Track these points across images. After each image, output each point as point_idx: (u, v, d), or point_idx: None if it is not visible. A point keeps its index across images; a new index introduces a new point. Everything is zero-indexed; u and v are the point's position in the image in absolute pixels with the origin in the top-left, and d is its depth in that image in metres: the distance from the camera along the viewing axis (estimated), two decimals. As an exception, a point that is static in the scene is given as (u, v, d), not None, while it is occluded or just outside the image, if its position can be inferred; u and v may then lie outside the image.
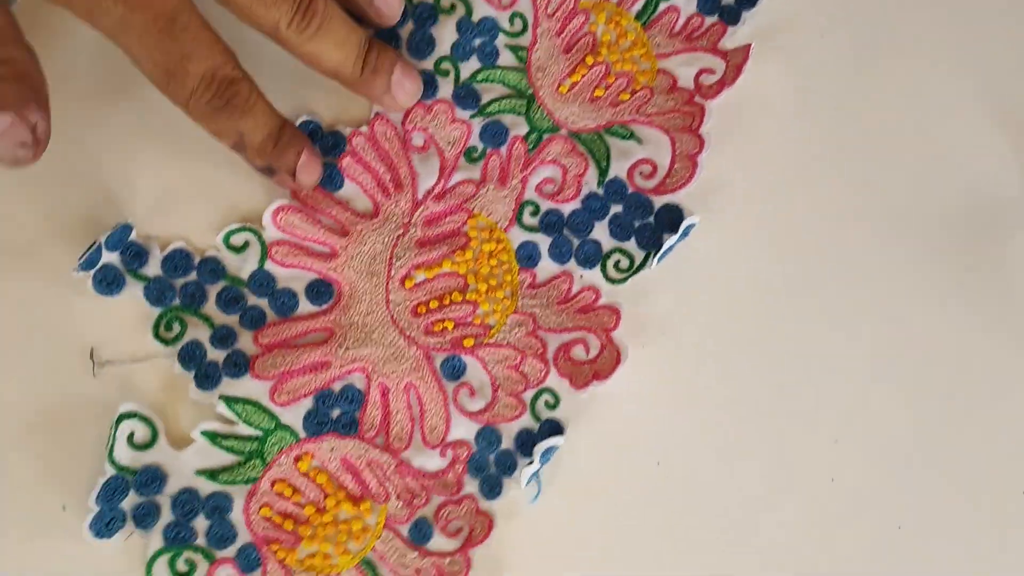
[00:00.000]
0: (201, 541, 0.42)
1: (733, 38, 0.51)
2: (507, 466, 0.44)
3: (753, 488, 0.45)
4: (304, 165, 0.43)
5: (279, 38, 0.41)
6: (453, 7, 0.49)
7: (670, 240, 0.46)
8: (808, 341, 0.47)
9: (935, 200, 0.49)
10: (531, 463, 0.42)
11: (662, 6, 0.51)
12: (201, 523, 0.42)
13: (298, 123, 0.46)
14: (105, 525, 0.41)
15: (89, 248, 0.42)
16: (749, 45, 0.50)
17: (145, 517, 0.41)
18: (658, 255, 0.47)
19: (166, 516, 0.42)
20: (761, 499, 0.45)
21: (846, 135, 0.50)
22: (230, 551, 0.42)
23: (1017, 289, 0.48)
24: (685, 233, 0.47)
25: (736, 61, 0.50)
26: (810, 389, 0.46)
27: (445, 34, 0.49)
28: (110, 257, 0.44)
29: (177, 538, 0.41)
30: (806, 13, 0.51)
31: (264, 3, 0.40)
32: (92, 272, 0.43)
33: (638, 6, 0.51)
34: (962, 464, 0.46)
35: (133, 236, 0.44)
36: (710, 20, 0.51)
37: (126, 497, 0.42)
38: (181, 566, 0.41)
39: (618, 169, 0.49)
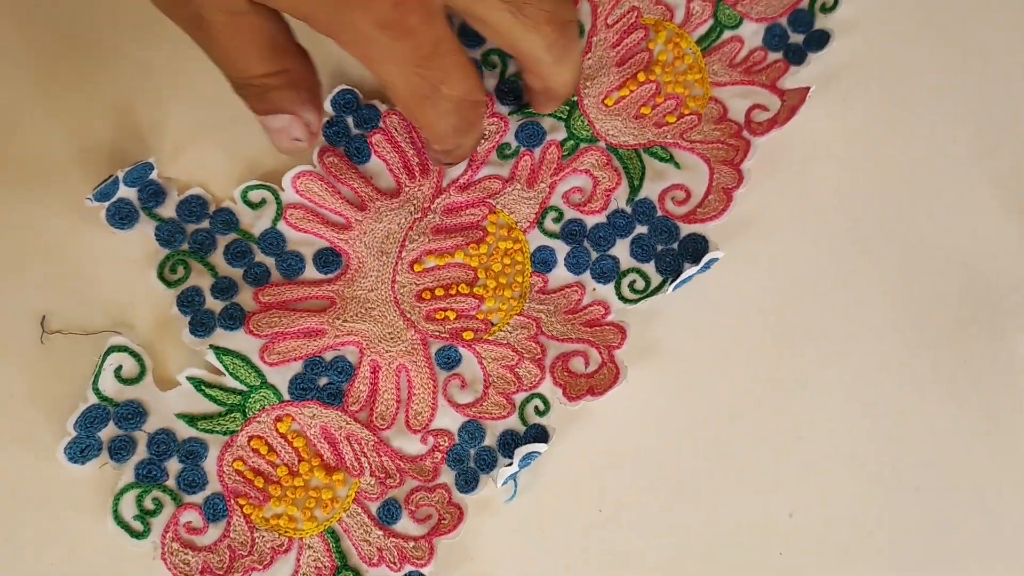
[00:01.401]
0: (171, 483, 0.53)
1: (794, 78, 0.62)
2: (486, 463, 0.55)
3: (715, 535, 0.56)
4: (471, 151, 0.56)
5: (532, 60, 0.51)
6: (510, 2, 0.61)
7: (690, 270, 0.57)
8: (794, 406, 0.58)
9: (943, 283, 0.60)
10: (510, 464, 0.53)
11: (726, 34, 0.63)
12: (174, 465, 0.53)
13: (337, 91, 0.58)
14: (80, 451, 0.52)
15: (106, 180, 0.55)
16: (808, 88, 0.60)
17: (120, 450, 0.53)
18: (675, 283, 0.57)
19: (141, 453, 0.53)
20: (723, 544, 0.56)
21: (878, 201, 0.61)
22: (198, 497, 0.53)
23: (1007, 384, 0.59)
24: (707, 266, 0.58)
25: (792, 102, 0.61)
26: (777, 455, 0.57)
27: (497, 28, 0.60)
28: (127, 192, 0.56)
29: (148, 476, 0.53)
30: (871, 68, 0.62)
31: (525, 29, 0.51)
32: (106, 204, 0.55)
33: (702, 30, 0.63)
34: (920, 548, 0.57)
35: (154, 175, 0.56)
36: (773, 56, 0.63)
37: (105, 427, 0.53)
38: (148, 503, 0.52)
39: (650, 190, 0.60)
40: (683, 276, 0.57)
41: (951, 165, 0.61)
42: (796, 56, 0.62)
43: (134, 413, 0.53)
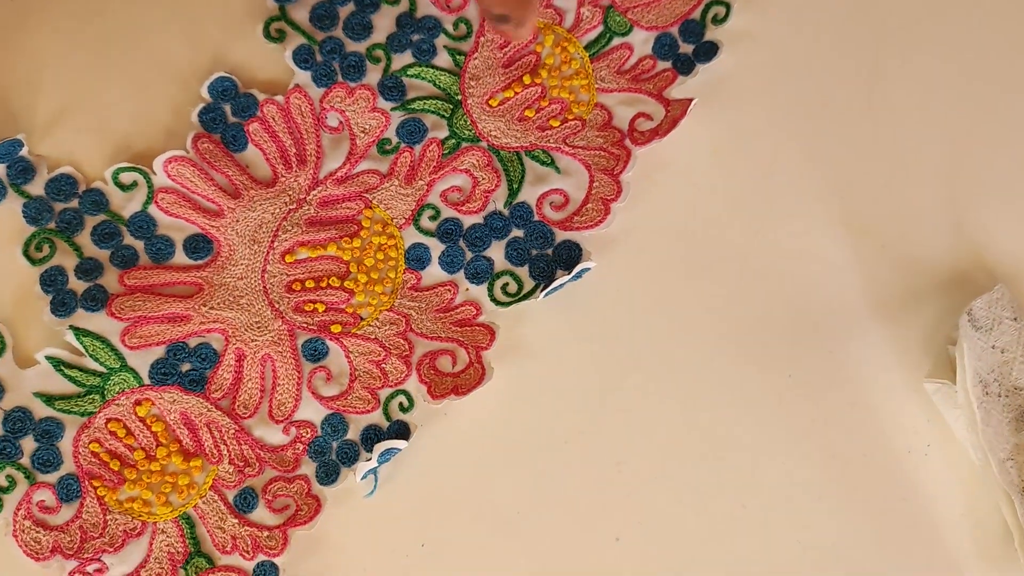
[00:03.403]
0: (26, 461, 0.58)
1: (681, 88, 0.67)
2: (348, 456, 0.61)
3: (552, 545, 0.61)
4: (532, 24, 0.57)
5: None
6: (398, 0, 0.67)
7: (562, 279, 0.63)
8: (647, 416, 0.63)
9: (774, 302, 0.65)
10: (369, 459, 0.59)
11: (616, 41, 0.68)
12: (29, 444, 0.58)
13: (215, 78, 0.63)
14: (-68, 425, 0.57)
15: (-27, 155, 0.59)
16: (691, 100, 0.66)
17: (-26, 427, 0.58)
18: (546, 291, 0.63)
19: (-5, 430, 0.58)
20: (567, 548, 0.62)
21: (727, 224, 0.66)
22: (52, 477, 0.58)
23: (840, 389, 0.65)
24: (578, 275, 0.63)
25: (675, 114, 0.66)
26: (602, 477, 0.63)
27: (383, 23, 0.66)
28: (-3, 169, 0.61)
29: (2, 453, 0.57)
30: (755, 89, 0.68)
31: None
32: (-27, 179, 0.60)
33: (591, 36, 0.68)
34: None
35: (24, 152, 0.61)
36: (662, 65, 0.68)
37: (-41, 401, 0.58)
38: (1, 480, 0.57)
39: (529, 194, 0.65)
40: (555, 284, 0.62)
41: (794, 190, 0.67)
42: (684, 66, 0.68)
43: (-10, 390, 0.57)
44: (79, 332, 0.58)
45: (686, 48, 0.68)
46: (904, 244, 0.66)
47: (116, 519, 0.57)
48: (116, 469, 0.57)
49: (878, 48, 0.68)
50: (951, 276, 0.65)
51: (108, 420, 0.58)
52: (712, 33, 0.68)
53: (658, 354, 0.64)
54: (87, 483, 0.57)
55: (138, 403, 0.58)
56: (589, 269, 0.63)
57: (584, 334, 0.64)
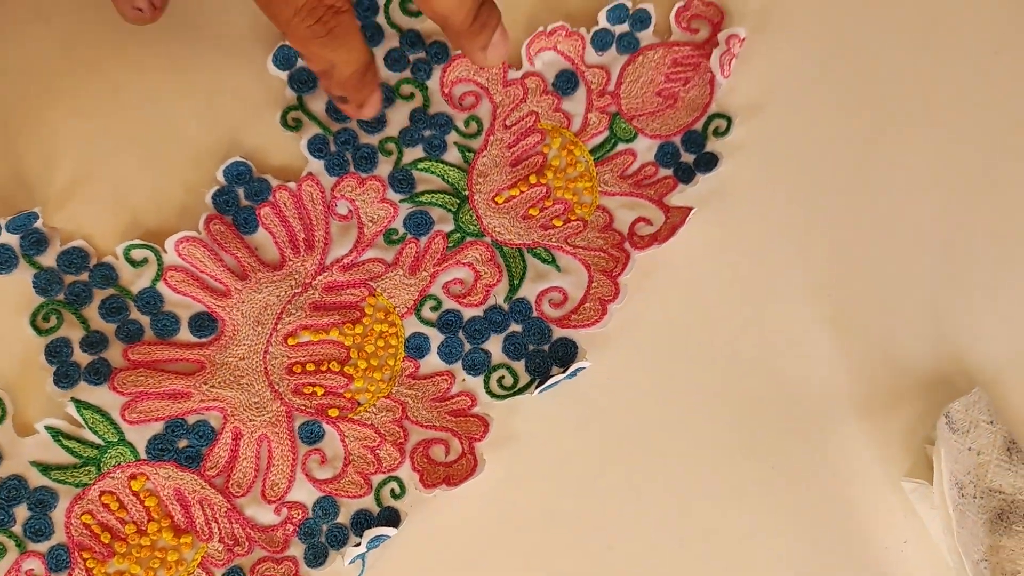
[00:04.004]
0: (17, 529, 0.55)
1: (681, 196, 0.67)
2: (337, 540, 0.58)
3: None
4: (373, 105, 0.56)
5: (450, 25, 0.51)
6: (412, 95, 0.66)
7: (557, 376, 0.61)
8: (637, 502, 0.62)
9: (762, 394, 0.65)
10: (358, 544, 0.57)
11: (620, 147, 0.67)
12: (22, 512, 0.56)
13: (231, 162, 0.62)
14: (-74, 490, 0.55)
15: (-11, 225, 0.57)
16: (690, 209, 0.65)
17: (-32, 494, 0.55)
18: (541, 387, 0.61)
19: (-10, 496, 0.55)
20: None
21: (721, 319, 0.66)
22: (42, 546, 0.55)
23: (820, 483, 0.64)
24: (573, 374, 0.62)
25: (674, 221, 0.65)
26: (591, 563, 0.62)
27: (397, 117, 0.65)
28: (9, 238, 0.59)
29: (-6, 521, 0.55)
30: (752, 197, 0.67)
31: None
32: (-13, 248, 0.58)
33: (597, 140, 0.67)
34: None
35: (38, 224, 0.60)
36: (664, 172, 0.67)
37: (-44, 466, 0.55)
38: (-9, 547, 0.55)
39: (529, 290, 0.64)
40: (550, 381, 0.61)
41: (785, 289, 0.66)
42: (685, 175, 0.67)
43: (-12, 457, 0.55)
44: (80, 404, 0.56)
45: (687, 157, 0.68)
46: (889, 344, 0.65)
47: (103, 592, 0.54)
48: (106, 542, 0.55)
49: (866, 161, 0.68)
50: (932, 377, 0.65)
51: (102, 492, 0.55)
52: (713, 144, 0.68)
53: (648, 444, 0.63)
54: (77, 554, 0.54)
55: (133, 477, 0.56)
56: (584, 368, 0.61)
57: (576, 425, 0.63)
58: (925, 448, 0.63)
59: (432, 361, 0.62)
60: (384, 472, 0.59)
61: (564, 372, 0.60)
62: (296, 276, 0.60)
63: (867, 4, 0.70)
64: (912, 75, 0.69)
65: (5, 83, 0.61)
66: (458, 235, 0.64)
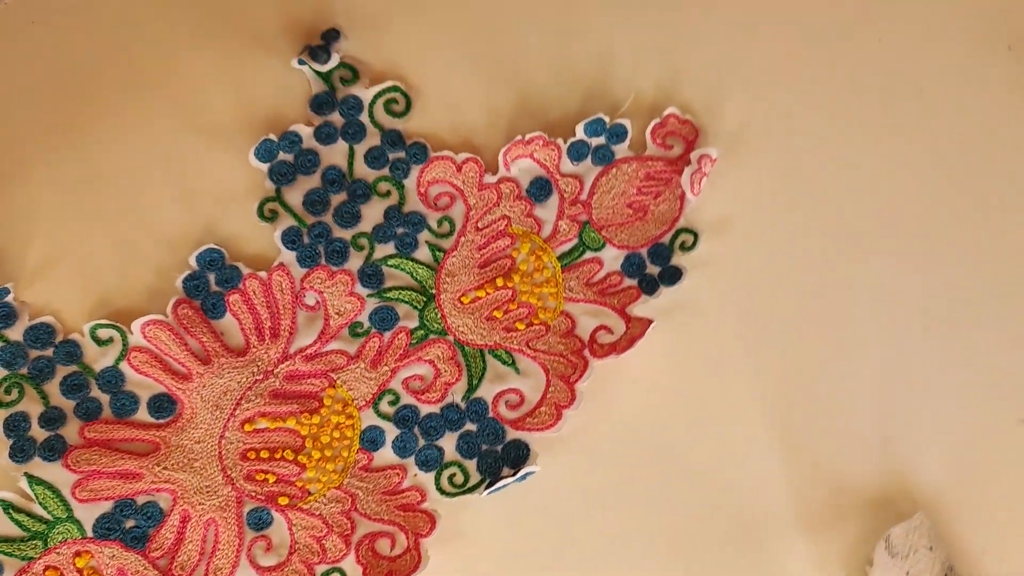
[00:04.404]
0: None
1: (644, 307, 0.65)
2: (274, 630, 0.56)
3: None
4: None
5: None
6: (389, 193, 0.65)
7: (507, 479, 0.60)
8: None
9: (710, 508, 0.63)
10: None
11: (588, 255, 0.66)
12: (-35, 581, 0.54)
13: (204, 249, 0.61)
14: None
15: (-41, 299, 0.57)
16: (650, 321, 0.64)
17: (-86, 559, 0.54)
18: (490, 488, 0.60)
19: (-66, 565, 0.54)
20: None
21: (671, 432, 0.65)
22: (-19, 617, 0.54)
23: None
24: (523, 478, 0.60)
25: (634, 332, 0.64)
26: None
27: (372, 213, 0.64)
28: (-20, 311, 0.58)
29: (-65, 589, 0.53)
30: (711, 313, 0.66)
31: None
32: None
33: (565, 247, 0.66)
34: None
35: (9, 298, 0.59)
36: (629, 282, 0.66)
37: (-98, 534, 0.54)
38: (-70, 617, 0.53)
39: (487, 391, 0.63)
40: (499, 484, 0.59)
41: (737, 403, 0.65)
42: (649, 286, 0.66)
43: (-63, 525, 0.53)
44: (32, 480, 0.55)
45: (653, 269, 0.67)
46: (834, 463, 0.64)
47: (37, 668, 0.52)
48: (47, 617, 0.53)
49: (823, 287, 0.67)
50: (875, 498, 0.63)
51: (47, 567, 0.54)
52: (678, 258, 0.67)
53: (593, 551, 0.62)
54: (15, 628, 0.52)
55: (78, 554, 0.55)
56: (533, 473, 0.60)
57: (522, 527, 0.61)
58: (866, 570, 0.62)
59: (385, 455, 0.61)
60: (328, 563, 0.58)
61: (514, 475, 0.59)
62: (259, 363, 0.59)
63: (834, 136, 0.70)
64: (869, 207, 0.69)
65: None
66: (422, 332, 0.63)
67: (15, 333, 0.57)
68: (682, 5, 0.69)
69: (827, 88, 0.69)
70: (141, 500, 0.57)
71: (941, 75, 0.70)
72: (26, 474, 0.55)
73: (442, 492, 0.60)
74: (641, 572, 0.61)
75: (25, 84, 0.62)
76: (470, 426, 0.62)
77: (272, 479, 0.57)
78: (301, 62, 0.63)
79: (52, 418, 0.56)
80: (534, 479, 0.60)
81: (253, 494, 0.57)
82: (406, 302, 0.63)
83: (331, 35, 0.64)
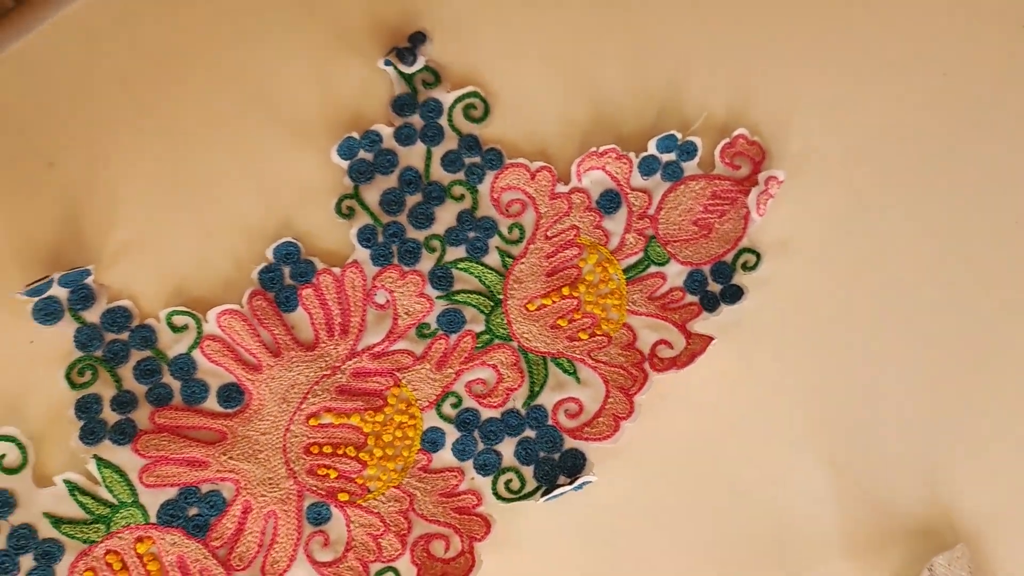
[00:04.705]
0: None
1: (704, 324, 0.59)
2: (327, 626, 0.51)
3: None
4: None
5: None
6: (463, 197, 0.59)
7: (564, 487, 0.54)
8: None
9: (755, 527, 0.58)
10: None
11: (652, 269, 0.60)
12: (27, 561, 0.49)
13: (281, 242, 0.55)
14: (-61, 530, 0.48)
15: (41, 279, 0.51)
16: (711, 338, 0.58)
17: (-21, 536, 0.48)
18: (547, 496, 0.54)
19: (-1, 542, 0.49)
20: None
21: (730, 449, 0.59)
22: (40, 598, 0.49)
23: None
24: (580, 487, 0.54)
25: (695, 348, 0.58)
26: None
27: (445, 216, 0.58)
28: (59, 292, 0.53)
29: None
30: (769, 334, 0.61)
31: None
32: (35, 298, 0.52)
33: (631, 260, 0.60)
34: None
35: (89, 280, 0.53)
36: (690, 298, 0.60)
37: (-30, 510, 0.49)
38: (-11, 595, 0.48)
39: (547, 398, 0.57)
40: (557, 491, 0.54)
41: (788, 425, 0.60)
42: (710, 303, 0.60)
43: (3, 502, 0.48)
44: (101, 462, 0.49)
45: (714, 287, 0.61)
46: (880, 490, 0.59)
47: (93, 651, 0.47)
48: (103, 601, 0.47)
49: (878, 315, 0.62)
50: (919, 526, 0.58)
51: (108, 551, 0.49)
52: (740, 277, 0.61)
53: (638, 563, 0.57)
54: (72, 610, 0.47)
55: (140, 539, 0.49)
56: (590, 482, 0.54)
57: (575, 536, 0.56)
58: None
59: (445, 456, 0.55)
60: (383, 562, 0.53)
61: (571, 483, 0.53)
62: (327, 358, 0.54)
63: (897, 165, 0.63)
64: (928, 238, 0.63)
65: (72, 142, 0.54)
66: (487, 336, 0.57)
67: (92, 315, 0.52)
68: (755, 31, 0.63)
69: (891, 118, 0.63)
70: (205, 488, 0.52)
71: (1005, 107, 0.64)
72: (95, 456, 0.50)
73: (498, 497, 0.55)
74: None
75: (119, 72, 0.56)
76: (529, 432, 0.56)
77: (333, 475, 0.52)
78: (388, 63, 0.57)
79: (124, 402, 0.51)
80: (588, 489, 0.55)
81: (314, 488, 0.51)
82: (474, 306, 0.57)
83: (418, 38, 0.58)
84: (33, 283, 0.49)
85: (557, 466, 0.55)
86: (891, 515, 0.58)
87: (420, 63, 0.58)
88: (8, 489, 0.48)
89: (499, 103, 0.60)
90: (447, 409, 0.55)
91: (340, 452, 0.52)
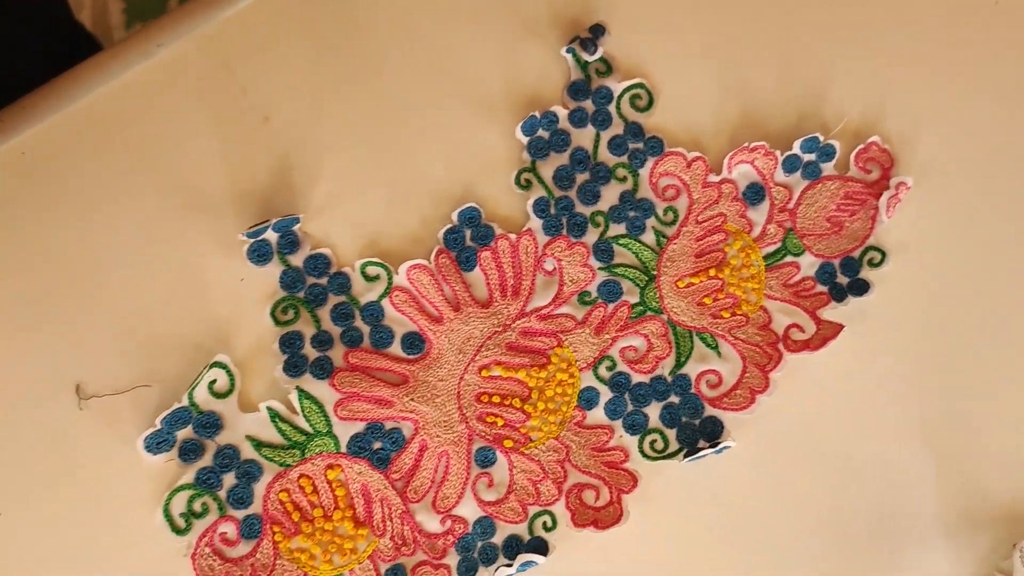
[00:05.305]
0: (222, 493, 0.43)
1: (832, 312, 0.54)
2: (488, 558, 0.46)
3: None
4: None
5: None
6: (625, 179, 0.52)
7: (705, 450, 0.49)
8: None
9: (868, 498, 0.53)
10: (509, 566, 0.44)
11: (788, 258, 0.54)
12: (229, 479, 0.44)
13: (466, 207, 0.49)
14: (156, 443, 0.43)
15: (261, 223, 0.46)
16: (842, 326, 0.52)
17: (190, 452, 0.44)
18: (689, 457, 0.49)
19: (206, 460, 0.44)
20: None
21: (846, 431, 0.54)
22: (240, 513, 0.44)
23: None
24: (720, 450, 0.50)
25: (826, 333, 0.53)
26: None
27: (610, 195, 0.53)
28: (271, 236, 0.47)
29: (206, 482, 0.43)
30: (890, 327, 0.55)
31: None
32: (253, 240, 0.46)
33: (769, 249, 0.55)
34: None
35: (296, 227, 0.47)
36: (820, 288, 0.54)
37: (183, 429, 0.43)
38: (196, 506, 0.43)
39: (691, 368, 0.52)
40: (699, 453, 0.49)
41: (898, 412, 0.54)
42: (838, 294, 0.55)
43: (212, 423, 0.44)
44: (302, 393, 0.44)
45: (843, 279, 0.55)
46: (977, 475, 0.54)
47: (284, 564, 0.43)
48: (296, 520, 0.44)
49: (991, 316, 0.56)
50: (1008, 513, 0.54)
51: (301, 475, 0.44)
52: (866, 272, 0.55)
53: (753, 531, 0.52)
54: (268, 526, 0.43)
55: (330, 467, 0.44)
56: (730, 447, 0.50)
57: (708, 498, 0.51)
58: (995, 574, 0.52)
59: (597, 414, 0.51)
60: (541, 505, 0.48)
61: (713, 447, 0.49)
62: (499, 316, 0.48)
63: (1019, 181, 0.57)
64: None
65: (287, 102, 0.50)
66: (641, 308, 0.52)
67: (297, 260, 0.47)
68: (893, 49, 0.57)
69: (1012, 139, 0.57)
70: (388, 426, 0.48)
71: None
72: (298, 388, 0.45)
73: (643, 455, 0.51)
74: (793, 554, 0.52)
75: (333, 44, 0.51)
76: (674, 398, 0.52)
77: (500, 423, 0.46)
78: (570, 50, 0.50)
79: (323, 340, 0.47)
80: (726, 458, 0.51)
81: (483, 434, 0.46)
82: (630, 279, 0.53)
83: (598, 30, 0.51)
84: (254, 226, 0.44)
85: (697, 431, 0.51)
86: (985, 501, 0.54)
87: (599, 53, 0.51)
88: (217, 412, 0.43)
89: (662, 96, 0.55)
90: (603, 371, 0.51)
91: (507, 403, 0.47)
